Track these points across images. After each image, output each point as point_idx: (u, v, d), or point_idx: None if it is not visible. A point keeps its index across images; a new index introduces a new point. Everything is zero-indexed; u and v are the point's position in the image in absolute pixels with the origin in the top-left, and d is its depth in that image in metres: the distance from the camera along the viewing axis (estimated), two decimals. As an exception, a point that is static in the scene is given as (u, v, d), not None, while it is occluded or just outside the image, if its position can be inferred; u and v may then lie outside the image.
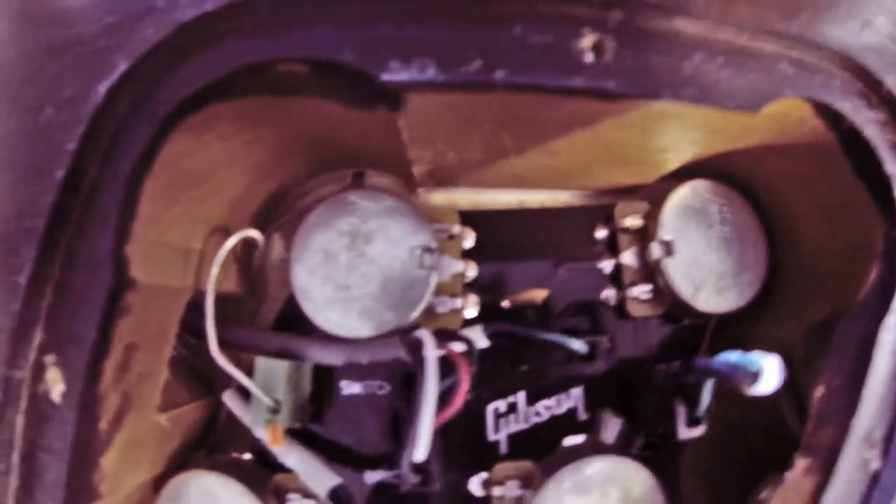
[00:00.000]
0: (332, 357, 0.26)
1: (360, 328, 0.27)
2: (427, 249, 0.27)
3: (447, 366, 0.25)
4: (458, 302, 0.28)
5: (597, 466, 0.27)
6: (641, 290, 0.29)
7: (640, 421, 0.29)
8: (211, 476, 0.27)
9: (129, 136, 0.22)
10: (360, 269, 0.27)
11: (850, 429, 0.24)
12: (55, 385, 0.22)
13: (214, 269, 0.26)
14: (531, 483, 0.28)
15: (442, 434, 0.25)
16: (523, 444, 0.29)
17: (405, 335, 0.25)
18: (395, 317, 0.27)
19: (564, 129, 0.24)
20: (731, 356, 0.23)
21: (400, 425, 0.29)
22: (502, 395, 0.29)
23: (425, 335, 0.24)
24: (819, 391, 0.25)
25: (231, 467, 0.28)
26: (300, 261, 0.27)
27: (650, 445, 0.30)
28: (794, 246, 0.28)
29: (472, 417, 0.29)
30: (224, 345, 0.26)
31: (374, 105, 0.22)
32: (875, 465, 0.24)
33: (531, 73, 0.20)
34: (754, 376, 0.22)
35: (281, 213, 0.31)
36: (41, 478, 0.23)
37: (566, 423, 0.30)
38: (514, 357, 0.29)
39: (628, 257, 0.29)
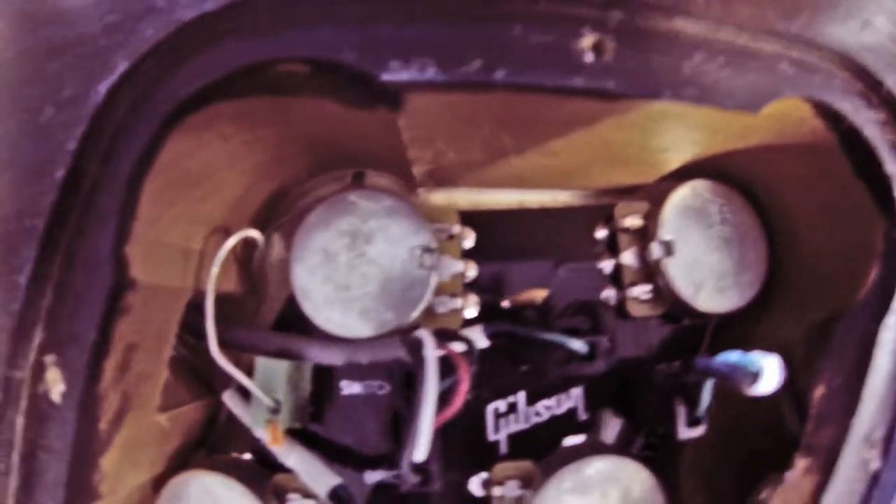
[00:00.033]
0: (332, 357, 0.26)
1: (360, 328, 0.27)
2: (427, 249, 0.27)
3: (447, 366, 0.25)
4: (458, 302, 0.28)
5: (597, 466, 0.27)
6: (641, 290, 0.29)
7: (639, 421, 0.29)
8: (211, 476, 0.27)
9: (130, 136, 0.22)
10: (360, 269, 0.27)
11: (850, 429, 0.24)
12: (55, 385, 0.22)
13: (214, 269, 0.26)
14: (531, 483, 0.27)
15: (442, 434, 0.25)
16: (523, 444, 0.29)
17: (405, 335, 0.25)
18: (395, 317, 0.27)
19: (564, 129, 0.24)
20: (731, 356, 0.23)
21: (400, 425, 0.29)
22: (502, 395, 0.29)
23: (425, 335, 0.24)
24: (819, 391, 0.25)
25: (231, 467, 0.28)
26: (300, 261, 0.27)
27: (650, 445, 0.30)
28: (794, 246, 0.28)
29: (472, 417, 0.29)
30: (224, 345, 0.26)
31: (374, 105, 0.22)
32: (875, 465, 0.24)
33: (531, 73, 0.20)
34: (754, 376, 0.22)
35: (281, 213, 0.31)
36: (41, 478, 0.23)
37: (566, 423, 0.30)
38: (515, 357, 0.29)
39: (628, 257, 0.29)
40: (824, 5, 0.22)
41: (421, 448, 0.23)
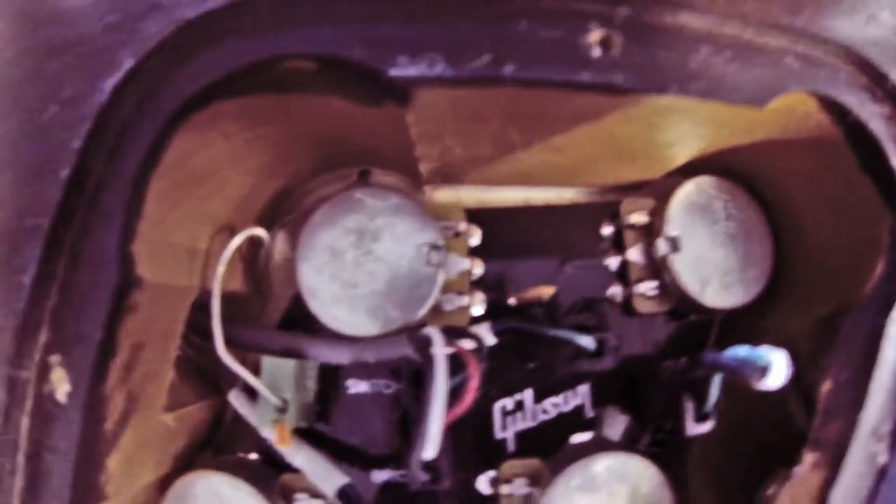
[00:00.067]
0: (339, 356, 0.26)
1: (367, 326, 0.27)
2: (434, 247, 0.27)
3: (455, 363, 0.24)
4: (465, 299, 0.28)
5: (605, 463, 0.26)
6: (648, 287, 0.29)
7: (646, 417, 0.29)
8: (217, 476, 0.27)
9: (135, 134, 0.22)
10: (366, 267, 0.27)
11: (857, 423, 0.24)
12: (60, 385, 0.22)
13: (220, 268, 0.25)
14: (539, 481, 0.27)
15: (451, 432, 0.25)
16: (531, 442, 0.29)
17: (413, 333, 0.25)
18: (402, 315, 0.26)
19: (571, 124, 0.24)
20: (740, 351, 0.23)
21: (407, 424, 0.28)
22: (510, 393, 0.29)
23: (434, 332, 0.24)
24: (826, 385, 0.25)
25: (237, 467, 0.28)
26: (306, 259, 0.27)
27: (656, 442, 0.30)
28: (800, 241, 0.28)
29: (479, 415, 0.28)
30: (230, 344, 0.26)
31: (381, 101, 0.22)
32: (883, 458, 0.24)
33: (539, 67, 0.20)
34: (763, 370, 0.22)
35: (286, 211, 0.30)
36: (47, 479, 0.22)
37: (573, 420, 0.30)
38: (522, 354, 0.29)
39: (634, 254, 0.29)
40: (829, 0, 0.22)
41: (430, 446, 0.23)
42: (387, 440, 0.29)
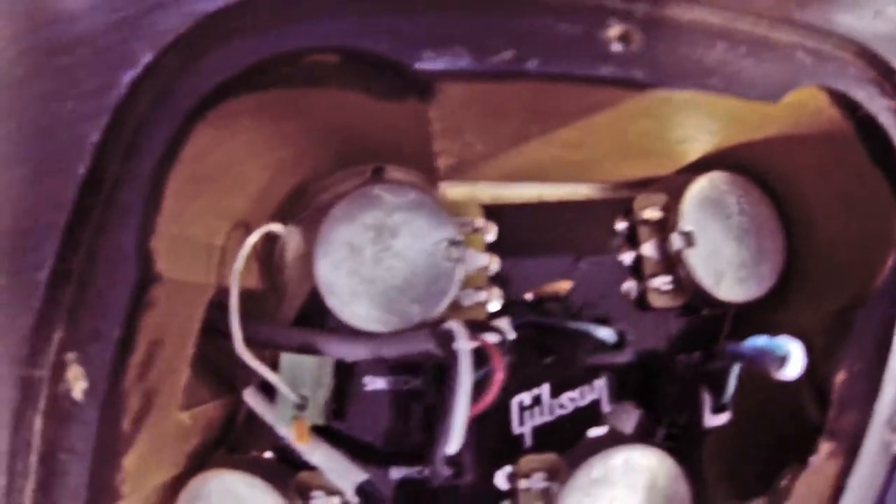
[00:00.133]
0: (358, 352, 0.26)
1: (385, 322, 0.27)
2: (453, 242, 0.27)
3: (477, 358, 0.25)
4: (483, 295, 0.28)
5: (623, 457, 0.27)
6: (662, 282, 0.29)
7: (662, 411, 0.30)
8: (233, 475, 0.27)
9: (153, 129, 0.22)
10: (385, 263, 0.27)
11: (872, 413, 0.24)
12: (77, 383, 0.22)
13: (239, 263, 0.25)
14: (557, 475, 0.28)
15: (473, 426, 0.25)
16: (547, 437, 0.29)
17: (434, 328, 0.25)
18: (421, 310, 0.26)
19: (589, 120, 0.24)
20: (759, 341, 0.24)
21: (426, 419, 0.28)
22: (527, 388, 0.29)
23: (457, 326, 0.24)
24: (840, 377, 0.25)
25: (253, 466, 0.28)
26: (324, 255, 0.27)
27: (671, 436, 0.30)
28: (811, 235, 0.29)
29: (497, 410, 0.29)
30: (247, 342, 0.26)
31: (404, 95, 0.22)
32: (897, 447, 0.24)
33: (562, 62, 0.21)
34: (782, 360, 0.22)
35: (300, 208, 0.30)
36: (62, 479, 0.22)
37: (589, 415, 0.30)
38: (539, 349, 0.29)
39: (648, 249, 0.29)
40: (837, -5, 0.22)
41: (455, 440, 0.23)
42: (405, 436, 0.29)
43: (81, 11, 0.21)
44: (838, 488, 0.24)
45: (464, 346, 0.24)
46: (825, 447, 0.25)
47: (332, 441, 0.28)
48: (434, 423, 0.25)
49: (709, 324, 0.30)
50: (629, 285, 0.30)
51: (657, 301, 0.29)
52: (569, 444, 0.28)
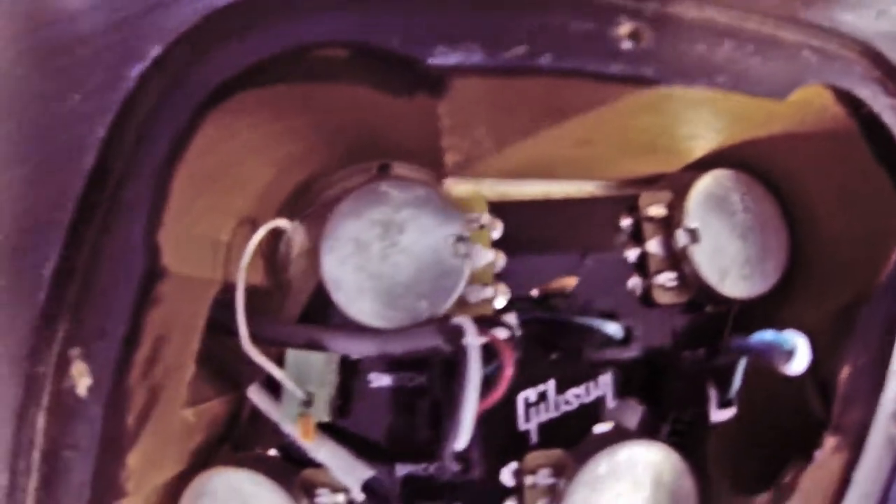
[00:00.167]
0: (365, 348, 0.26)
1: (393, 318, 0.27)
2: (461, 238, 0.27)
3: (484, 354, 0.25)
4: (490, 291, 0.28)
5: (630, 452, 0.27)
6: (667, 278, 0.29)
7: (668, 407, 0.30)
8: (238, 472, 0.27)
9: (161, 123, 0.22)
10: (392, 259, 0.27)
11: (877, 407, 0.24)
12: (81, 379, 0.22)
13: (246, 259, 0.25)
14: (563, 471, 0.28)
15: (480, 422, 0.25)
16: (553, 433, 0.29)
17: (443, 323, 0.25)
18: (429, 306, 0.26)
19: (599, 116, 0.24)
20: (766, 335, 0.24)
21: (431, 417, 0.28)
22: (533, 384, 0.29)
23: (466, 321, 0.24)
24: (845, 372, 0.25)
25: (257, 463, 0.28)
26: (331, 251, 0.27)
27: (675, 432, 0.30)
28: (814, 233, 0.29)
29: (503, 407, 0.29)
30: (253, 338, 0.26)
31: (414, 91, 0.22)
32: (901, 441, 0.24)
33: (573, 59, 0.21)
34: (789, 354, 0.23)
35: (304, 205, 0.30)
36: (65, 477, 0.22)
37: (595, 411, 0.30)
38: (545, 345, 0.29)
39: (654, 245, 0.30)
40: (840, -6, 0.23)
41: (463, 436, 0.23)
42: (410, 433, 0.29)
43: (87, 7, 0.21)
44: (844, 482, 0.24)
45: (473, 341, 0.24)
46: (830, 442, 0.25)
47: (337, 438, 0.28)
48: (442, 419, 0.25)
49: (713, 320, 0.30)
50: (634, 282, 0.30)
51: (662, 297, 0.30)
52: (574, 440, 0.29)
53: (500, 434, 0.29)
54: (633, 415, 0.30)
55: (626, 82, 0.22)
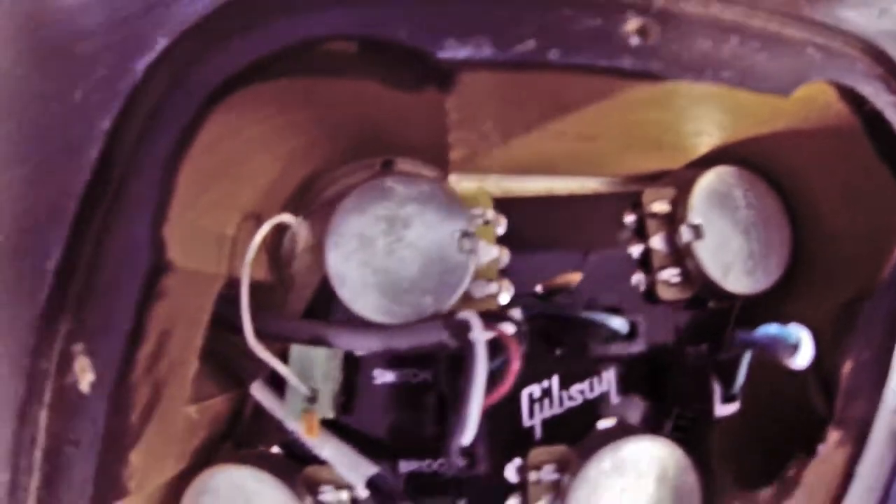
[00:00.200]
0: (370, 343, 0.26)
1: (398, 313, 0.26)
2: (466, 234, 0.27)
3: (491, 348, 0.24)
4: (494, 287, 0.28)
5: (634, 447, 0.27)
6: (671, 274, 0.29)
7: (672, 402, 0.30)
8: (241, 470, 0.27)
9: (168, 115, 0.21)
10: (398, 254, 0.27)
11: (880, 401, 0.24)
12: (84, 375, 0.21)
13: (251, 254, 0.25)
14: (567, 467, 0.28)
15: (486, 417, 0.25)
16: (557, 429, 0.29)
17: (448, 318, 0.25)
18: (434, 301, 0.26)
19: (606, 112, 0.24)
20: (771, 328, 0.24)
21: (436, 413, 0.28)
22: (537, 380, 0.29)
23: (472, 316, 0.24)
24: (848, 366, 0.25)
25: (261, 461, 0.27)
26: (335, 247, 0.27)
27: (678, 427, 0.30)
28: (817, 229, 0.29)
29: (508, 403, 0.29)
30: (257, 334, 0.25)
31: (422, 85, 0.22)
32: (903, 435, 0.24)
33: (583, 53, 0.21)
34: (794, 348, 0.23)
35: (308, 201, 0.30)
36: (67, 474, 0.22)
37: (599, 407, 0.30)
38: (549, 340, 0.29)
39: (657, 242, 0.30)
40: (843, -7, 0.23)
41: (469, 431, 0.23)
42: (415, 430, 0.29)
43: (92, 3, 0.21)
44: (847, 476, 0.25)
45: (479, 336, 0.23)
46: (833, 436, 0.25)
47: (340, 435, 0.28)
48: (448, 414, 0.25)
49: (716, 316, 0.31)
50: (638, 278, 0.30)
51: (666, 293, 0.30)
52: (578, 436, 0.29)
53: (504, 430, 0.29)
54: (638, 410, 0.30)
55: (634, 77, 0.22)
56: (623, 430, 0.28)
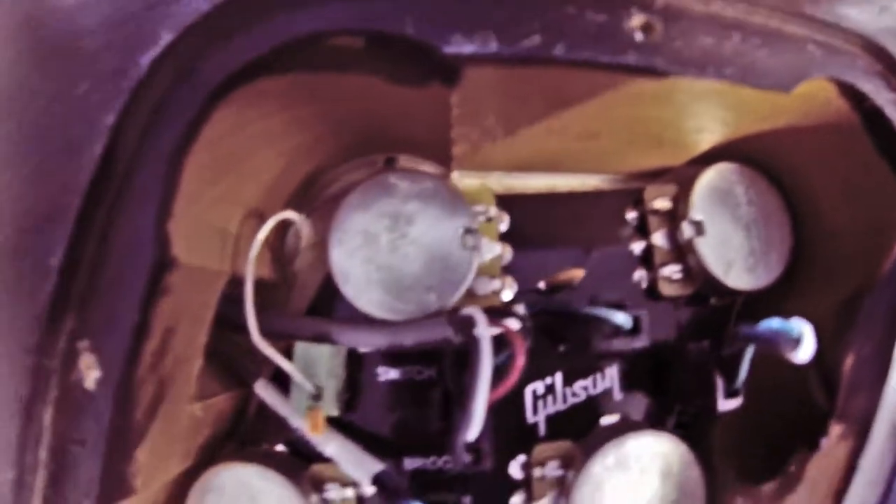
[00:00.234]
0: (375, 340, 0.26)
1: (402, 310, 0.26)
2: (469, 230, 0.27)
3: (495, 344, 0.25)
4: (497, 283, 0.28)
5: (638, 443, 0.27)
6: (672, 270, 0.30)
7: (675, 398, 0.30)
8: (247, 467, 0.27)
9: (172, 110, 0.21)
10: (401, 251, 0.27)
11: (882, 395, 0.25)
12: (90, 372, 0.21)
13: (255, 250, 0.25)
14: (571, 463, 0.28)
15: (491, 413, 0.25)
16: (561, 425, 0.29)
17: (453, 314, 0.25)
18: (438, 298, 0.26)
19: (610, 108, 0.25)
20: (773, 323, 0.24)
21: (440, 410, 0.28)
22: (540, 377, 0.29)
23: (476, 312, 0.24)
24: (849, 361, 0.26)
25: (266, 459, 0.27)
26: (339, 243, 0.27)
27: (680, 423, 0.31)
28: (818, 226, 0.29)
29: (512, 399, 0.29)
30: (261, 332, 0.25)
31: (427, 80, 0.22)
32: (905, 429, 0.25)
33: (588, 49, 0.21)
34: (797, 342, 0.23)
35: (310, 197, 0.30)
36: (73, 472, 0.21)
37: (602, 403, 0.30)
38: (552, 336, 0.30)
39: (659, 238, 0.30)
40: (843, -9, 0.23)
41: (475, 426, 0.23)
42: (419, 426, 0.29)
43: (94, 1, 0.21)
44: (849, 469, 0.25)
45: (484, 331, 0.24)
46: (836, 430, 0.25)
47: (345, 433, 0.28)
48: (453, 411, 0.25)
49: (717, 312, 0.31)
50: (640, 274, 0.30)
51: (667, 290, 0.30)
52: (582, 432, 0.29)
53: (509, 427, 0.29)
54: (641, 406, 0.30)
55: (637, 73, 0.22)
56: (627, 426, 0.28)
